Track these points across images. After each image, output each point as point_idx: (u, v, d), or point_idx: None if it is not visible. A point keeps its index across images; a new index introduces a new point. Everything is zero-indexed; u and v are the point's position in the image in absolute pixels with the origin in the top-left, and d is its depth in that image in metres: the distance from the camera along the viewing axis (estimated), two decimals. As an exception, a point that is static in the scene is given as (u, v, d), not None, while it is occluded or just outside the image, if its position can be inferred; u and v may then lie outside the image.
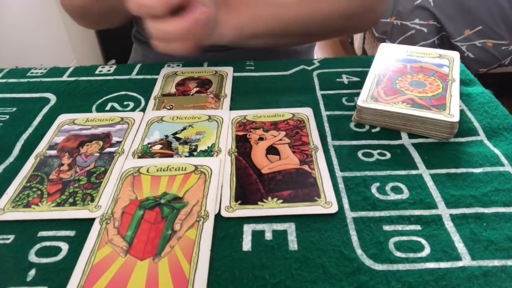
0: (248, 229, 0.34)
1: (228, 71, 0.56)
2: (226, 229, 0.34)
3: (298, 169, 0.40)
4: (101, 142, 0.44)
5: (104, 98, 0.52)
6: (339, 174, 0.39)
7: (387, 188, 0.38)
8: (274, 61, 0.59)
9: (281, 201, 0.36)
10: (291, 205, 0.36)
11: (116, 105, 0.51)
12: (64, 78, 0.57)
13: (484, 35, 1.50)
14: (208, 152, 0.42)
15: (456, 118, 0.42)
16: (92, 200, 0.37)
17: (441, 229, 0.34)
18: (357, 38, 2.06)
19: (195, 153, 0.42)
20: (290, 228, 0.34)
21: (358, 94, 0.47)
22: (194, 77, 0.55)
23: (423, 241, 0.33)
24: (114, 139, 0.45)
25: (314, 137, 0.44)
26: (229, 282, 0.30)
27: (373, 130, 0.45)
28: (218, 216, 0.35)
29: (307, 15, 0.55)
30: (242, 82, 0.54)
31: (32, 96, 0.53)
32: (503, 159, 0.40)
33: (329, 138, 0.44)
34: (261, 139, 0.44)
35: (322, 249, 0.32)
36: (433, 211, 0.35)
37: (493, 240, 0.33)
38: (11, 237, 0.34)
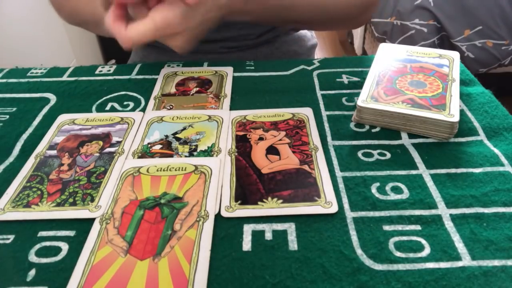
0: (248, 229, 0.34)
1: (228, 71, 0.56)
2: (226, 229, 0.34)
3: (298, 169, 0.40)
4: (101, 142, 0.44)
5: (104, 98, 0.52)
6: (339, 174, 0.39)
7: (387, 188, 0.38)
8: (274, 61, 0.59)
9: (281, 201, 0.36)
10: (291, 205, 0.36)
11: (116, 105, 0.51)
12: (64, 78, 0.57)
13: (484, 35, 1.49)
14: (208, 152, 0.42)
15: (456, 118, 0.42)
16: (92, 200, 0.37)
17: (441, 229, 0.34)
18: (357, 38, 2.06)
19: (195, 153, 0.42)
20: (290, 228, 0.34)
21: (358, 94, 0.47)
22: (194, 77, 0.55)
23: (423, 241, 0.33)
24: (114, 139, 0.45)
25: (314, 137, 0.44)
26: (229, 282, 0.30)
27: (373, 130, 0.45)
28: (218, 216, 0.35)
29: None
30: (242, 82, 0.54)
31: (32, 96, 0.53)
32: (503, 159, 0.40)
33: (329, 138, 0.44)
34: (261, 139, 0.44)
35: (322, 249, 0.32)
36: (433, 211, 0.35)
37: (493, 240, 0.33)
38: (11, 237, 0.34)
